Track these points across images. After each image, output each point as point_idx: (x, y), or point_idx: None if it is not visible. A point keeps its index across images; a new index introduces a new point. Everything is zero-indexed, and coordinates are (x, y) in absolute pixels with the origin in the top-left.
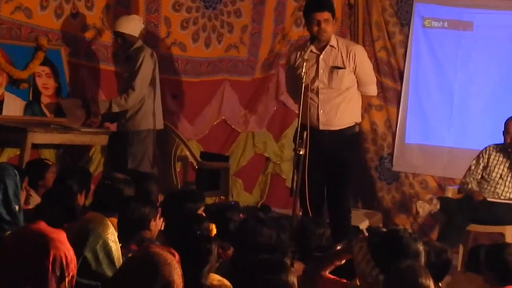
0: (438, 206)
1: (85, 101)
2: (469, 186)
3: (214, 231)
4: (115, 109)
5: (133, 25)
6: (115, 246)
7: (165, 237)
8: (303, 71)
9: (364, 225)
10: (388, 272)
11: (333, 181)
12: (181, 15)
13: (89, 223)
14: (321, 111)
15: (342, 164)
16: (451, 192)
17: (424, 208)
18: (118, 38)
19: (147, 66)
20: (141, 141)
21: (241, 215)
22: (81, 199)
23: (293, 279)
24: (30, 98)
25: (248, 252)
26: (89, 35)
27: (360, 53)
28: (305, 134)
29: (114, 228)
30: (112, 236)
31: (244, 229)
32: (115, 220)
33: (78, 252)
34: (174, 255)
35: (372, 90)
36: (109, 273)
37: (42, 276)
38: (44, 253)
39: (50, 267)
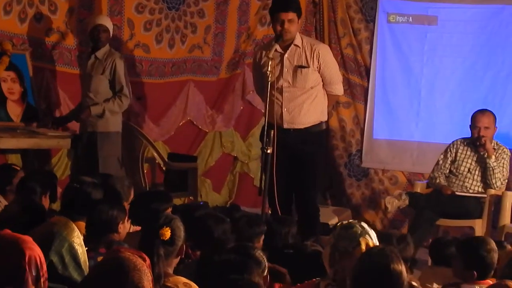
0: (407, 202)
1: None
2: (437, 180)
3: (168, 235)
4: (107, 114)
5: (111, 25)
6: (81, 249)
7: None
8: (268, 69)
9: (333, 222)
10: (359, 257)
11: (298, 180)
12: (144, 17)
13: (53, 227)
14: (285, 110)
15: (306, 162)
16: (420, 187)
17: (392, 203)
18: (102, 33)
19: (125, 69)
20: (112, 143)
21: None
22: (45, 202)
23: (259, 279)
24: None
25: (213, 252)
26: (53, 38)
27: (324, 52)
28: (272, 132)
29: (81, 232)
30: (77, 239)
31: (204, 228)
32: (83, 224)
33: (44, 256)
34: (144, 260)
35: (337, 89)
36: (76, 276)
37: (19, 277)
38: (20, 254)
39: (27, 267)
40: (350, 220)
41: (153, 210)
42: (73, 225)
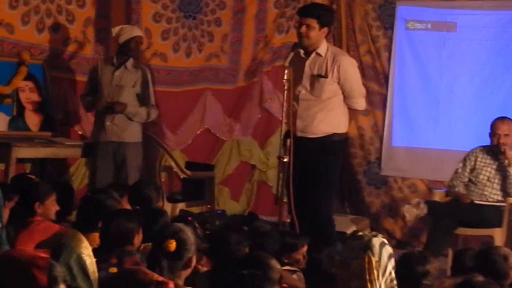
0: (425, 210)
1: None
2: (456, 189)
3: (173, 247)
4: (135, 119)
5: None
6: (89, 260)
7: None
8: (284, 77)
9: (350, 231)
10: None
11: (308, 189)
12: (162, 26)
13: (61, 238)
14: (299, 118)
15: (315, 172)
16: (438, 195)
17: (411, 212)
18: (140, 44)
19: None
20: (137, 153)
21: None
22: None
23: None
24: (14, 113)
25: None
26: (70, 48)
27: (346, 64)
28: (288, 141)
29: (95, 242)
30: (85, 250)
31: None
32: (96, 235)
33: None
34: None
35: (358, 104)
36: (84, 287)
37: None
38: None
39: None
40: (364, 232)
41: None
42: (82, 236)
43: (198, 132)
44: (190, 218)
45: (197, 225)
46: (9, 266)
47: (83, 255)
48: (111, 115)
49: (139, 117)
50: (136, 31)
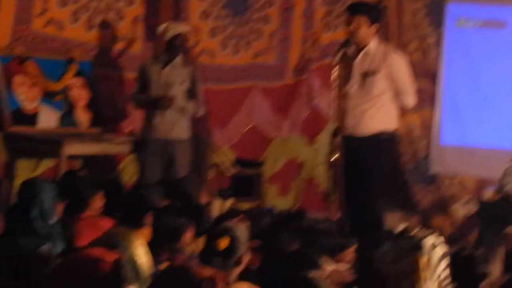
0: (475, 208)
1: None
2: (506, 187)
3: (224, 245)
4: (183, 114)
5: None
6: (143, 259)
7: None
8: (333, 75)
9: (399, 228)
10: None
11: (358, 187)
12: (210, 24)
13: (113, 238)
14: (349, 116)
15: (365, 170)
16: (488, 194)
17: (459, 211)
18: (185, 41)
19: None
20: (186, 150)
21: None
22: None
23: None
24: (64, 110)
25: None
26: (119, 46)
27: (397, 61)
28: (338, 138)
29: (145, 238)
30: (139, 249)
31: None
32: (146, 230)
33: None
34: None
35: (408, 101)
36: (135, 285)
37: None
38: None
39: None
40: (417, 231)
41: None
42: (134, 234)
43: (246, 129)
44: (241, 216)
45: (247, 222)
46: (78, 266)
47: (135, 254)
48: (160, 112)
49: (187, 112)
50: (182, 27)
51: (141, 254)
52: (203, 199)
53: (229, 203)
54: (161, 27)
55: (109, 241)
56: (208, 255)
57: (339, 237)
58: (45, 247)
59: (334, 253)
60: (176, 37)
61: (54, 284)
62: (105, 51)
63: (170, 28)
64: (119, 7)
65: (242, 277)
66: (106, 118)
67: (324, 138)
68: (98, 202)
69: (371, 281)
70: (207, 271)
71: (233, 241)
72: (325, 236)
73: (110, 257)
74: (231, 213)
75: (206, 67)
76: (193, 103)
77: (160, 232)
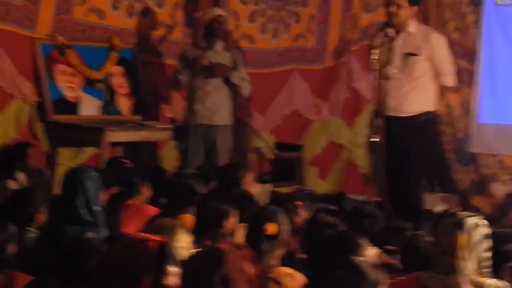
0: None
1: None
2: None
3: (272, 230)
4: (242, 86)
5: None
6: (183, 253)
7: None
8: (373, 57)
9: (438, 209)
10: None
11: (399, 168)
12: (249, 8)
13: (157, 229)
14: (391, 97)
15: (407, 151)
16: None
17: (499, 189)
18: (224, 24)
19: None
20: (228, 135)
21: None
22: (146, 193)
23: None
24: (106, 98)
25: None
26: (159, 32)
27: (438, 41)
28: (379, 120)
29: (186, 225)
30: (179, 242)
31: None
32: (188, 216)
33: None
34: (247, 253)
35: (448, 80)
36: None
37: None
38: None
39: None
40: (461, 212)
41: None
42: (177, 226)
43: (286, 113)
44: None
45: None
46: (124, 250)
47: (175, 248)
48: (202, 98)
49: (243, 85)
50: (218, 10)
51: (183, 247)
52: (247, 184)
53: (269, 187)
54: (199, 14)
55: (153, 232)
56: (253, 240)
57: (394, 222)
58: (90, 235)
59: (380, 237)
60: (212, 20)
61: (102, 269)
62: (145, 38)
63: (207, 13)
64: None
65: (285, 262)
66: (147, 105)
67: (364, 120)
68: (146, 191)
69: (415, 262)
70: (239, 252)
71: (278, 226)
72: (369, 219)
73: (155, 240)
74: (280, 199)
75: (245, 52)
76: (246, 84)
77: (203, 218)
